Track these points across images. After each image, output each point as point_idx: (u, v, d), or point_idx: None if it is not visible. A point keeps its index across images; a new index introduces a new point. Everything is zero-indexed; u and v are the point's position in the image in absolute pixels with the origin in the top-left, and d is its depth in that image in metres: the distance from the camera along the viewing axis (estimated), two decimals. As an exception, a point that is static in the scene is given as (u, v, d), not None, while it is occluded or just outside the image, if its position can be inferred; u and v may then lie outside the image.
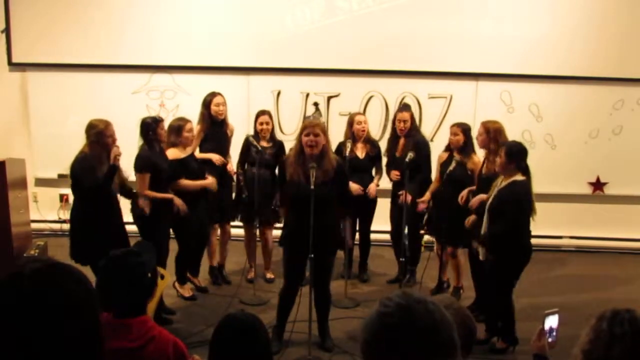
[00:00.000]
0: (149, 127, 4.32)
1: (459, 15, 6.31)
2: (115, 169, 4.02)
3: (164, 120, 4.59)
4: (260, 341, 2.02)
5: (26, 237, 5.70)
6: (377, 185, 5.26)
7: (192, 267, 5.05)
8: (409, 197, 4.75)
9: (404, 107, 5.49)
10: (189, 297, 4.90)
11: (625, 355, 1.38)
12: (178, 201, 4.39)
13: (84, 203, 4.07)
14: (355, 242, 5.52)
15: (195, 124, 5.07)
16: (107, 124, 4.05)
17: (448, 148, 4.89)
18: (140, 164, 4.28)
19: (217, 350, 1.99)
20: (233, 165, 5.22)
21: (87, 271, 3.62)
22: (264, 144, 5.03)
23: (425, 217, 5.04)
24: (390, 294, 1.23)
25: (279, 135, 5.52)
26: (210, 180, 4.78)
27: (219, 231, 5.30)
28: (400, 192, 4.94)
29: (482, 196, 4.21)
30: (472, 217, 4.35)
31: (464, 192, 4.56)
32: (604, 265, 6.26)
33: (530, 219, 3.95)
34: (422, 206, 4.98)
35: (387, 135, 6.17)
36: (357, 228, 5.44)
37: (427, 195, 4.98)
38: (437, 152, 5.13)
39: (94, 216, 4.02)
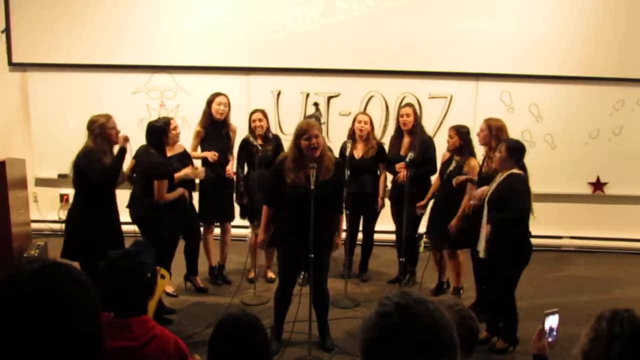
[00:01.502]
0: (162, 132, 4.32)
1: (459, 15, 6.31)
2: (124, 152, 4.05)
3: (172, 121, 4.59)
4: (260, 341, 2.02)
5: (26, 237, 5.69)
6: (382, 199, 5.26)
7: (189, 267, 5.06)
8: (405, 175, 4.79)
9: (407, 103, 5.54)
10: (201, 287, 5.03)
11: (624, 355, 1.38)
12: (186, 192, 4.45)
13: (86, 199, 4.07)
14: (358, 242, 5.51)
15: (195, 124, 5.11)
16: (108, 117, 4.10)
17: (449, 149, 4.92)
18: (161, 171, 4.25)
19: (216, 350, 1.99)
20: (234, 166, 5.21)
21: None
22: (259, 142, 5.03)
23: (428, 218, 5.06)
24: (389, 294, 1.23)
25: (278, 134, 5.52)
26: (189, 170, 4.71)
27: (217, 231, 5.31)
28: (399, 168, 4.95)
29: (484, 188, 4.22)
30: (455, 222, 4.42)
31: (461, 177, 4.57)
32: (604, 265, 6.26)
33: (530, 215, 3.96)
34: (419, 211, 5.01)
35: (387, 135, 6.18)
36: (361, 228, 5.43)
37: (426, 200, 5.00)
38: (438, 152, 5.14)
39: (94, 212, 4.03)
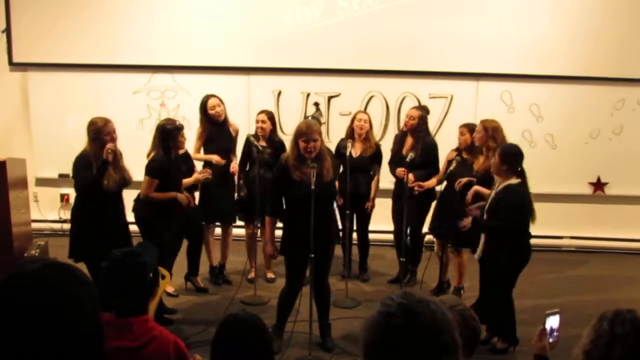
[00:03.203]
0: (170, 135, 4.29)
1: (459, 15, 6.30)
2: (106, 164, 3.95)
3: (184, 128, 4.53)
4: (262, 341, 2.02)
5: (27, 237, 5.69)
6: (373, 199, 5.28)
7: (191, 267, 5.07)
8: (411, 176, 4.83)
9: (418, 106, 5.54)
10: (201, 287, 5.04)
11: (625, 355, 1.37)
12: (181, 197, 4.35)
13: (84, 200, 4.07)
14: (354, 242, 5.52)
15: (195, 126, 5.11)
16: (105, 122, 4.03)
17: (458, 148, 4.92)
18: (154, 169, 4.24)
19: (219, 350, 1.99)
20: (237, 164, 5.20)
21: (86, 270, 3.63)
22: (262, 143, 5.02)
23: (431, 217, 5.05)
24: (392, 294, 1.23)
25: (279, 135, 5.51)
26: (198, 175, 4.70)
27: (218, 231, 5.31)
28: (402, 170, 4.94)
29: (478, 188, 4.22)
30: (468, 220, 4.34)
31: (463, 180, 4.56)
32: (605, 265, 6.26)
33: (530, 222, 3.95)
34: (417, 188, 4.97)
35: (388, 135, 6.19)
36: (355, 228, 5.43)
37: (426, 184, 4.99)
38: (440, 152, 5.14)
39: (93, 214, 4.02)
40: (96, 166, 3.97)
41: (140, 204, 4.33)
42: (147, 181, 4.23)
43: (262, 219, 4.93)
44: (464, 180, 4.59)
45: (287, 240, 3.94)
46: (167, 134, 4.29)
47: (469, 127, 4.78)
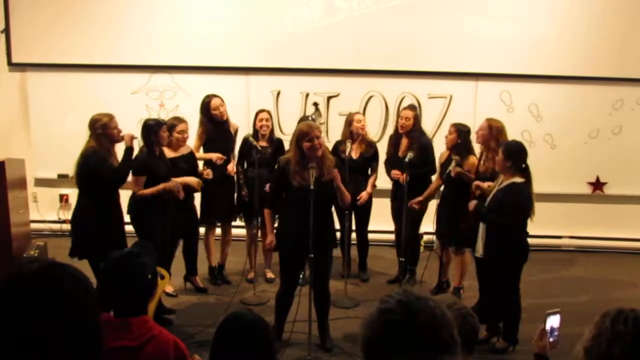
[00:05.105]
0: (151, 130, 4.31)
1: (459, 15, 6.30)
2: (131, 151, 4.05)
3: (166, 124, 4.55)
4: (265, 340, 2.01)
5: (26, 238, 5.69)
6: (370, 193, 5.23)
7: (188, 267, 5.06)
8: (404, 176, 4.82)
9: (410, 105, 5.53)
10: (201, 287, 5.05)
11: (626, 353, 1.37)
12: (170, 184, 4.27)
13: (92, 199, 4.09)
14: (353, 242, 5.51)
15: (196, 126, 5.11)
16: (111, 117, 4.11)
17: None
18: (137, 167, 4.27)
19: (219, 349, 1.98)
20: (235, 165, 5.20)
21: (87, 271, 3.63)
22: (263, 143, 5.02)
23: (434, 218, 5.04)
24: (391, 292, 1.23)
25: (279, 135, 5.53)
26: (189, 179, 4.61)
27: (218, 231, 5.31)
28: (397, 172, 4.94)
29: (479, 183, 4.23)
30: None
31: (459, 169, 4.56)
32: (604, 265, 6.26)
33: (529, 219, 3.96)
34: (415, 206, 4.97)
35: (387, 135, 6.18)
36: (354, 228, 5.43)
37: (422, 197, 4.98)
38: (437, 152, 5.14)
39: (100, 212, 4.05)
40: (110, 162, 4.04)
41: (131, 203, 4.35)
42: (134, 180, 4.28)
43: (261, 219, 4.95)
44: (459, 169, 4.57)
45: (282, 238, 3.94)
46: (149, 130, 4.31)
47: (457, 127, 4.76)
